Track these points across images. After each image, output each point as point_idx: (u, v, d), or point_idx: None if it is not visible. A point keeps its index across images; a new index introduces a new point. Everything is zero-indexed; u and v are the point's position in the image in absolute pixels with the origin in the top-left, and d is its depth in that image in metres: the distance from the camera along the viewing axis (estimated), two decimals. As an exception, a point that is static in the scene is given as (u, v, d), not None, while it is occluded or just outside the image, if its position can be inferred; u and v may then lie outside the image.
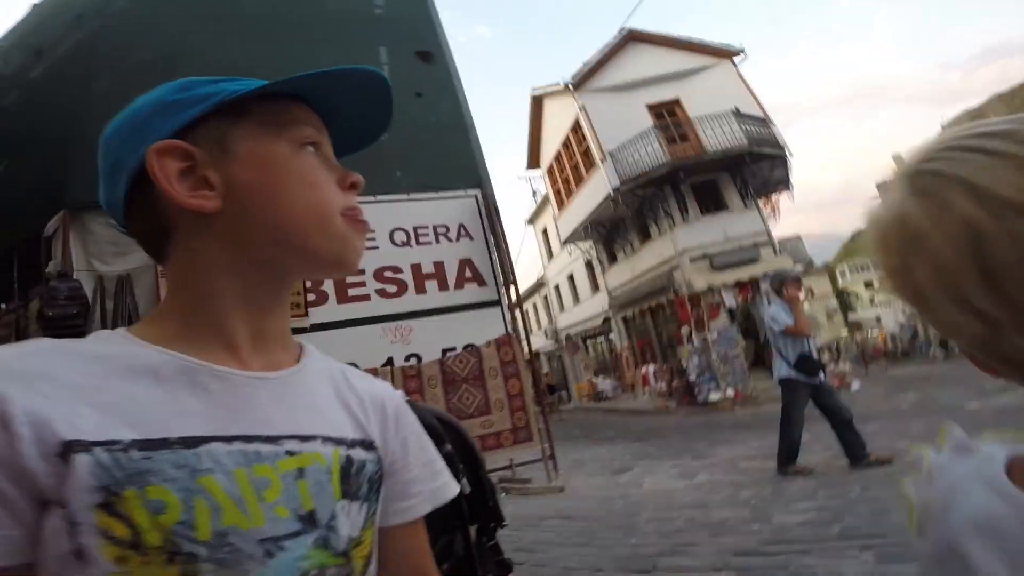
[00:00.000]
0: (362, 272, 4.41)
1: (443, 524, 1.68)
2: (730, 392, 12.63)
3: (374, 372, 4.18)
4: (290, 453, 0.52)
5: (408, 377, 4.41)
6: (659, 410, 13.95)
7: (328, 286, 4.21)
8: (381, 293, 4.50)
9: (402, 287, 4.65)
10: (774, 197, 16.25)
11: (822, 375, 4.85)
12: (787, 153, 14.92)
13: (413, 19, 5.41)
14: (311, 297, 4.15)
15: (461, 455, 1.56)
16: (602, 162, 15.22)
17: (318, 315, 4.05)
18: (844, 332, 34.46)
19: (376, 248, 4.59)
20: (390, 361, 4.34)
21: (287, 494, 0.50)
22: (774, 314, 4.94)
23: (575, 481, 6.20)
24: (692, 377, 13.29)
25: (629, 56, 16.05)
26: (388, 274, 4.61)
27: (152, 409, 0.47)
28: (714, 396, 12.72)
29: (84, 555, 0.43)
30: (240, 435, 0.50)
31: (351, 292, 4.35)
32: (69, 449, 0.43)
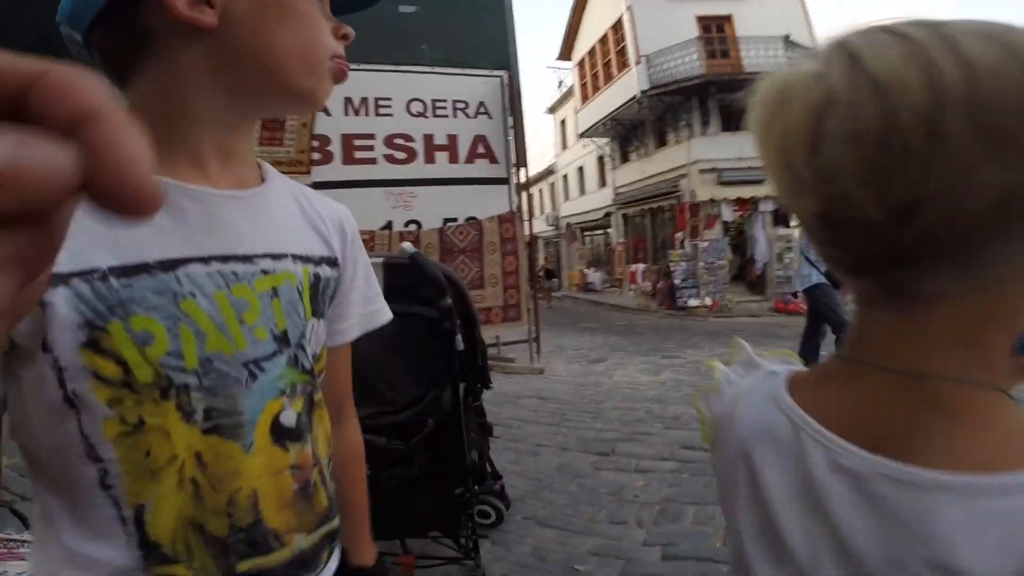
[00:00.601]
0: (372, 136, 4.22)
1: (434, 377, 1.69)
2: (708, 300, 12.77)
3: (371, 235, 4.13)
4: (264, 272, 0.49)
5: (405, 242, 4.38)
6: (640, 308, 14.17)
7: (335, 145, 4.04)
8: (389, 159, 4.33)
9: (411, 155, 4.48)
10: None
11: None
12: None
13: None
14: (316, 156, 3.97)
15: (459, 312, 1.52)
16: (636, 64, 14.28)
17: (321, 173, 3.92)
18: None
19: (390, 116, 4.37)
20: (389, 225, 4.27)
21: (264, 315, 0.48)
22: None
23: (555, 365, 6.36)
24: (677, 281, 13.35)
25: None
26: (399, 141, 4.41)
27: (126, 232, 0.41)
28: (693, 302, 12.87)
29: (77, 401, 0.40)
30: (217, 255, 0.46)
31: (358, 155, 4.18)
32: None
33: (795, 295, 4.86)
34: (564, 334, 9.49)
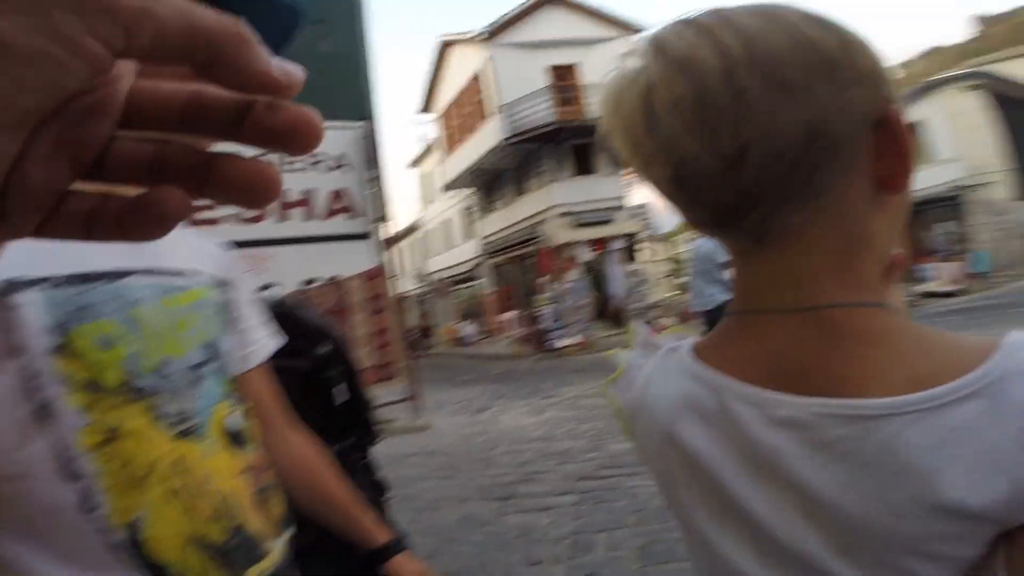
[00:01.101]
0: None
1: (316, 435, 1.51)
2: (576, 339, 13.37)
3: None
4: (189, 286, 0.52)
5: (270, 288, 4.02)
6: (515, 355, 14.39)
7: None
8: (236, 218, 4.00)
9: (261, 213, 4.19)
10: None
11: None
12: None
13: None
14: None
15: (339, 362, 1.39)
16: (496, 113, 15.02)
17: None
18: (674, 292, 38.30)
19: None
20: (241, 289, 3.91)
21: (195, 326, 0.51)
22: (714, 248, 4.52)
23: (438, 420, 6.27)
24: (546, 325, 13.84)
25: (543, 16, 15.77)
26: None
27: (74, 244, 0.34)
28: (563, 342, 13.39)
29: (50, 410, 0.40)
30: (153, 268, 0.49)
31: (197, 215, 3.82)
32: (12, 289, 0.40)
33: (696, 314, 4.86)
34: (443, 389, 9.36)
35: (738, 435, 0.37)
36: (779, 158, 0.36)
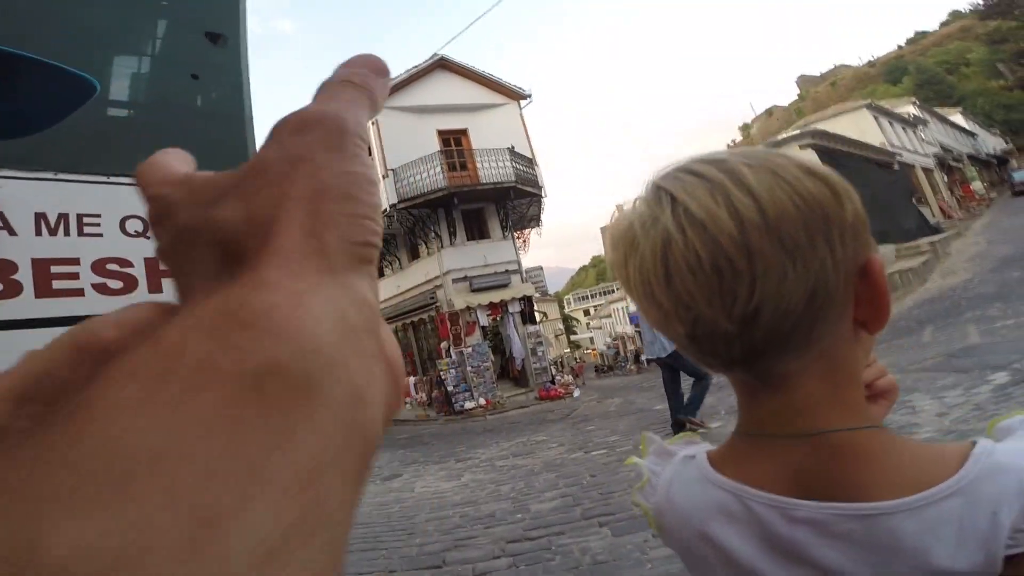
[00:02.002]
0: (76, 261, 3.42)
1: None
2: (482, 400, 13.26)
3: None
4: None
5: (135, 390, 3.54)
6: (420, 419, 13.93)
7: (24, 274, 3.14)
8: (101, 288, 3.49)
9: (130, 283, 3.69)
10: (527, 231, 17.77)
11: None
12: (543, 194, 16.40)
13: (212, -3, 4.59)
14: None
15: None
16: (384, 178, 14.84)
17: (5, 310, 2.97)
18: (567, 350, 39.69)
19: (100, 236, 3.62)
20: (110, 371, 3.42)
21: None
22: None
23: None
24: (450, 387, 13.60)
25: (433, 81, 16.07)
26: (113, 267, 3.63)
27: None
28: (469, 404, 13.20)
29: None
30: None
31: (57, 284, 3.28)
32: None
33: (649, 362, 5.36)
34: (343, 461, 8.73)
35: (764, 531, 0.44)
36: (785, 317, 0.41)
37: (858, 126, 23.62)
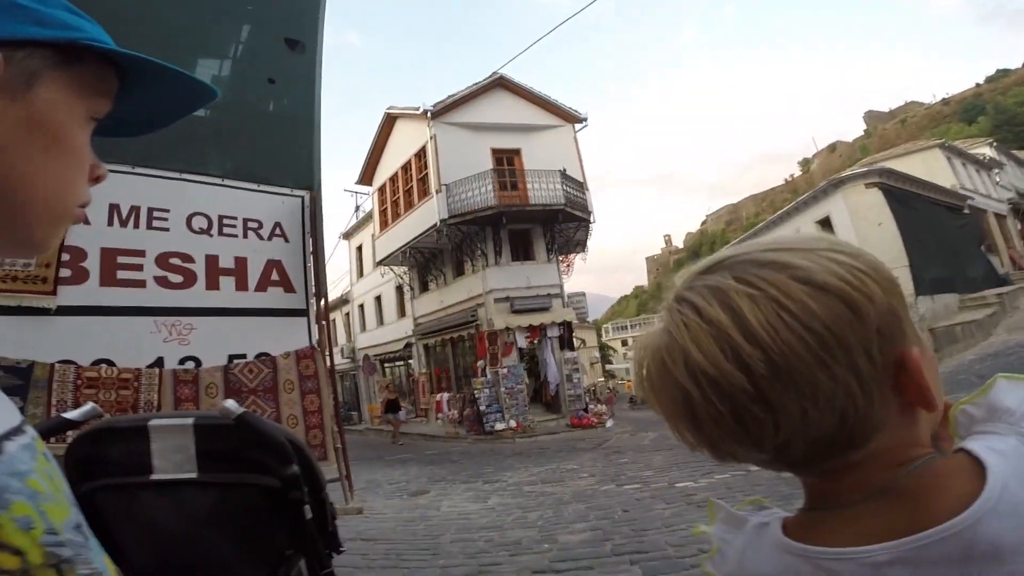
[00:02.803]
0: (141, 253, 3.56)
1: (277, 552, 1.32)
2: (512, 423, 13.15)
3: (136, 374, 3.35)
4: (32, 439, 0.46)
5: (181, 383, 3.60)
6: (449, 436, 13.92)
7: (92, 261, 3.28)
8: (162, 281, 3.64)
9: (190, 278, 3.84)
10: (571, 256, 17.67)
11: None
12: (592, 219, 16.30)
13: (294, 3, 4.77)
14: (65, 273, 3.18)
15: (305, 477, 1.24)
16: (436, 192, 15.04)
17: (71, 296, 3.09)
18: (601, 379, 39.11)
19: (166, 230, 3.76)
20: (159, 362, 3.51)
21: (62, 481, 0.47)
22: None
23: (373, 502, 5.89)
24: (483, 407, 13.55)
25: (490, 99, 16.26)
26: (175, 261, 3.77)
27: None
28: (500, 425, 13.11)
29: None
30: (13, 428, 0.44)
31: (121, 275, 3.44)
32: None
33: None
34: (375, 468, 8.87)
35: None
36: (816, 443, 0.43)
37: (928, 166, 22.63)
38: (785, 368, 0.40)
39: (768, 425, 0.42)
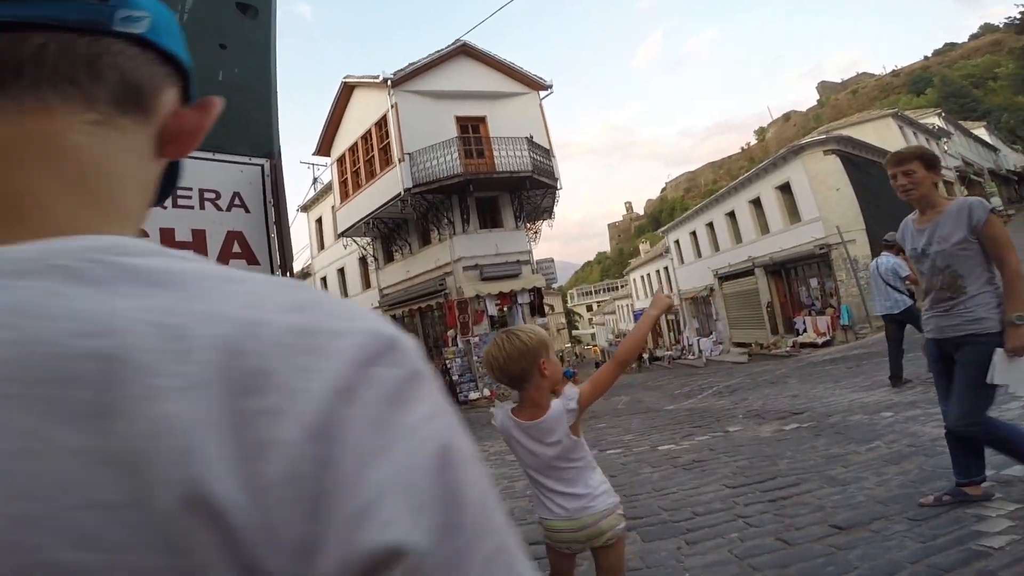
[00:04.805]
0: (89, 227, 3.28)
1: None
2: (486, 391, 13.14)
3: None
4: None
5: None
6: (419, 407, 13.84)
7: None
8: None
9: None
10: (538, 223, 17.55)
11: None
12: (558, 186, 16.14)
13: (246, -33, 4.33)
14: None
15: None
16: (400, 161, 14.56)
17: None
18: (568, 344, 39.60)
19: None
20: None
21: None
22: (896, 265, 5.88)
23: None
24: (455, 376, 13.49)
25: (454, 67, 15.76)
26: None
27: None
28: (473, 395, 13.10)
29: None
30: None
31: None
32: None
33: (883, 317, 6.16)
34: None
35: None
36: (513, 380, 1.77)
37: (881, 134, 23.24)
38: (509, 355, 1.68)
39: (501, 375, 1.70)
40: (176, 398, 0.25)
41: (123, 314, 0.27)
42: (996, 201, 32.01)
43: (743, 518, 2.97)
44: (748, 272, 20.99)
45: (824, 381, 7.97)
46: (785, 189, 18.73)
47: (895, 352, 6.05)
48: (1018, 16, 68.72)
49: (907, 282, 5.84)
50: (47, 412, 0.24)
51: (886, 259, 6.07)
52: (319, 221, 23.17)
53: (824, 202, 16.93)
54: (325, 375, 0.28)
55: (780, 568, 2.35)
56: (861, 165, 17.53)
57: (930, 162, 2.62)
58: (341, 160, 18.44)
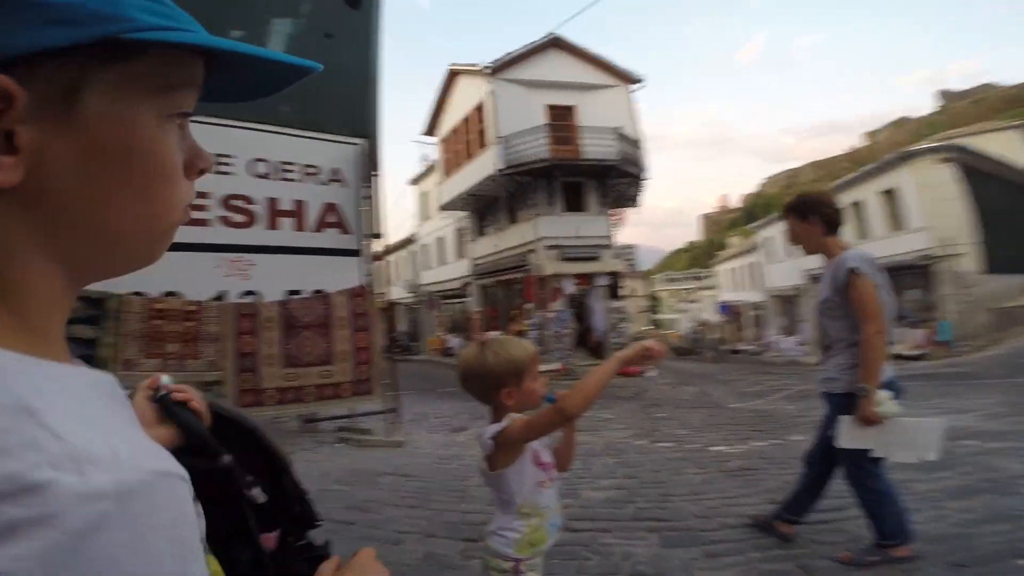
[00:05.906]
0: (207, 195, 3.57)
1: (224, 543, 1.24)
2: (556, 365, 13.13)
3: (198, 307, 3.42)
4: None
5: (242, 316, 3.68)
6: (495, 372, 14.16)
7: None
8: (225, 221, 3.69)
9: (252, 218, 3.87)
10: (623, 210, 17.07)
11: None
12: (645, 176, 15.68)
13: (354, -37, 4.56)
14: None
15: (256, 462, 1.11)
16: (494, 144, 14.91)
17: None
18: (648, 327, 38.54)
19: (230, 175, 3.76)
20: (220, 296, 3.56)
21: None
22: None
23: (416, 434, 5.89)
24: (528, 348, 13.63)
25: (546, 58, 15.87)
26: (238, 203, 3.79)
27: None
28: (543, 367, 13.19)
29: None
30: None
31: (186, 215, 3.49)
32: None
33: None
34: (426, 400, 9.03)
35: None
36: (482, 395, 1.47)
37: (1005, 147, 19.95)
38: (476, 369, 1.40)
39: (462, 385, 1.47)
40: None
41: None
42: None
43: (772, 537, 2.74)
44: (839, 276, 19.12)
45: (908, 397, 7.16)
46: (890, 195, 16.76)
47: None
48: None
49: None
50: None
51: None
52: (425, 195, 24.03)
53: (933, 212, 14.97)
54: None
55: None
56: (979, 178, 15.29)
57: (802, 213, 2.42)
58: (445, 140, 19.22)
